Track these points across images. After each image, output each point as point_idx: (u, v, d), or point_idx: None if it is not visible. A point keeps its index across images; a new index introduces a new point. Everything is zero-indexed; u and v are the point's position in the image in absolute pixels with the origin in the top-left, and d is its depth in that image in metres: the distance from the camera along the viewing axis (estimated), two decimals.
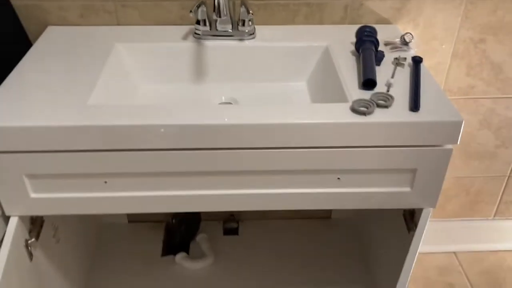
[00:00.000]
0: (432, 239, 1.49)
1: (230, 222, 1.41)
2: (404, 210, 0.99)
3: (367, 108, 0.79)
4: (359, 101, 0.81)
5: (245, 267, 1.30)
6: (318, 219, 1.45)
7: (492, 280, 1.42)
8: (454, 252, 1.50)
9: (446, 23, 1.11)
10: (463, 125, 0.79)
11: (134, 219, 1.43)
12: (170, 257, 1.31)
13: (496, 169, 1.36)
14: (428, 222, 0.90)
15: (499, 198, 1.43)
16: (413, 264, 0.91)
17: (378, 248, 1.22)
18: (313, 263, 1.31)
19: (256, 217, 1.44)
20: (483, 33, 1.13)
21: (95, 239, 1.36)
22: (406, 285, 0.79)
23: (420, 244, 0.92)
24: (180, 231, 1.36)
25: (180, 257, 1.29)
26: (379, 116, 0.79)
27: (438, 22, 1.11)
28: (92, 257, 1.31)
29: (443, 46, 1.15)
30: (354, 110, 0.79)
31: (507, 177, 1.38)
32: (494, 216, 1.47)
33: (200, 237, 1.35)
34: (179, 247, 1.33)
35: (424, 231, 0.91)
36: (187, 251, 1.32)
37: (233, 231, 1.40)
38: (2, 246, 0.83)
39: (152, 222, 1.42)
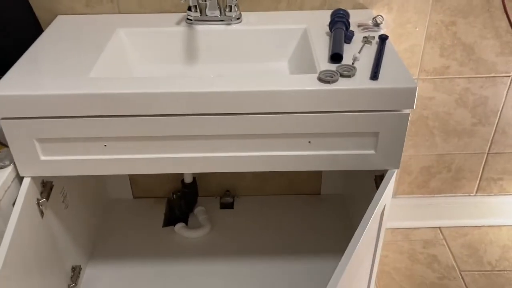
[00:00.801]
0: (418, 215, 1.58)
1: (226, 197, 1.53)
2: (376, 176, 1.09)
3: (331, 77, 0.90)
4: (325, 72, 0.92)
5: (239, 237, 1.41)
6: (308, 195, 1.55)
7: (473, 252, 1.50)
8: (439, 227, 1.59)
9: (418, 7, 1.21)
10: (417, 91, 0.89)
11: (139, 195, 1.55)
12: (170, 227, 1.43)
13: (475, 146, 1.45)
14: (392, 183, 1.00)
15: (479, 174, 1.51)
16: (379, 223, 1.01)
17: (359, 218, 1.32)
18: (302, 235, 1.42)
19: (250, 193, 1.55)
20: (453, 16, 1.23)
21: (102, 211, 1.49)
22: (360, 240, 0.88)
23: (388, 208, 1.02)
24: (180, 205, 1.48)
25: (179, 227, 1.41)
26: (342, 84, 0.90)
27: (411, 6, 1.21)
28: (99, 226, 1.44)
29: (417, 29, 1.24)
30: (320, 79, 0.90)
31: (486, 154, 1.47)
32: (476, 192, 1.56)
33: (198, 210, 1.47)
34: (179, 219, 1.45)
35: (390, 192, 1.01)
36: (186, 223, 1.44)
37: (229, 206, 1.52)
38: (16, 202, 0.96)
39: (155, 198, 1.55)
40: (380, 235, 1.07)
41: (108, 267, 1.33)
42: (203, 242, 1.40)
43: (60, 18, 1.19)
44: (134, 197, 1.55)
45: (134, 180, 1.52)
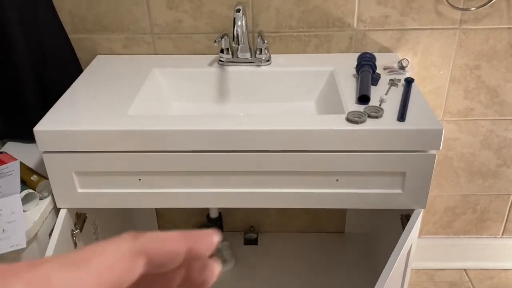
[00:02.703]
0: (443, 256, 1.57)
1: (250, 233, 1.54)
2: (401, 215, 1.10)
3: (359, 118, 0.93)
4: (353, 112, 0.95)
5: (262, 273, 1.42)
6: (332, 233, 1.56)
7: None
8: (465, 269, 1.57)
9: (442, 51, 1.25)
10: (443, 132, 0.92)
11: (165, 228, 1.58)
12: None
13: (500, 187, 1.45)
14: (419, 222, 1.01)
15: (505, 216, 1.50)
16: (405, 262, 1.02)
17: (384, 258, 1.32)
18: (326, 273, 1.42)
19: (274, 229, 1.57)
20: (477, 60, 1.26)
21: None
22: (387, 280, 0.89)
23: (414, 248, 1.03)
24: None
25: None
26: (370, 124, 0.93)
27: (435, 50, 1.25)
28: None
29: (441, 72, 1.28)
30: (348, 119, 0.94)
31: (511, 196, 1.46)
32: (502, 234, 1.54)
33: (222, 245, 1.49)
34: None
35: (417, 232, 1.02)
36: None
37: (253, 242, 1.53)
38: (53, 233, 1.00)
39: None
40: (406, 275, 1.07)
41: None
42: (226, 278, 1.41)
43: (99, 58, 1.26)
44: (160, 230, 1.58)
45: (160, 213, 1.56)
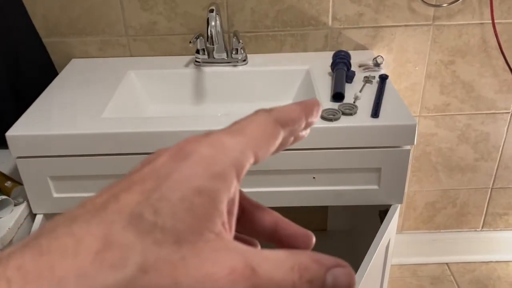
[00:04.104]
0: (424, 251, 1.58)
1: None
2: (380, 211, 1.11)
3: (334, 115, 0.94)
4: (327, 110, 0.95)
5: None
6: (315, 231, 1.56)
7: None
8: (447, 263, 1.59)
9: (417, 48, 1.26)
10: (418, 127, 0.93)
11: None
12: None
13: (479, 181, 1.47)
14: (396, 217, 1.02)
15: (484, 210, 1.52)
16: (384, 258, 1.02)
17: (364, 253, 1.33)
18: None
19: None
20: (451, 56, 1.27)
21: None
22: (364, 275, 0.89)
23: (392, 243, 1.04)
24: None
25: None
26: (344, 122, 0.93)
27: (410, 46, 1.26)
28: None
29: (417, 68, 1.29)
30: (322, 117, 0.94)
31: (490, 189, 1.48)
32: (482, 227, 1.56)
33: None
34: None
35: (394, 226, 1.03)
36: None
37: None
38: None
39: None
40: (386, 270, 1.08)
41: None
42: None
43: (74, 62, 1.25)
44: None
45: None
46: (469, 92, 1.32)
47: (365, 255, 0.95)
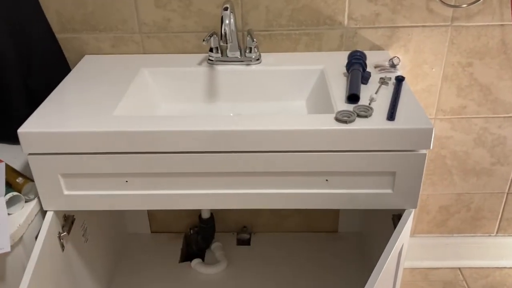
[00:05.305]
0: (437, 255, 1.56)
1: (243, 234, 1.53)
2: (393, 215, 1.09)
3: (348, 117, 0.92)
4: (342, 112, 0.93)
5: (255, 274, 1.41)
6: (326, 233, 1.55)
7: None
8: (459, 268, 1.56)
9: (434, 49, 1.23)
10: (434, 131, 0.90)
11: (157, 229, 1.57)
12: (187, 263, 1.44)
13: (494, 186, 1.44)
14: (410, 222, 1.00)
15: (500, 215, 1.49)
16: (397, 264, 1.01)
17: (377, 258, 1.31)
18: (319, 273, 1.41)
19: (267, 229, 1.56)
20: (469, 57, 1.24)
21: (120, 245, 1.50)
22: (377, 279, 0.88)
23: (405, 247, 1.02)
24: (197, 241, 1.48)
25: (195, 263, 1.42)
26: (359, 124, 0.91)
27: (427, 47, 1.23)
28: (117, 260, 1.45)
29: (433, 70, 1.26)
30: (337, 119, 0.92)
31: (505, 194, 1.45)
32: (497, 232, 1.53)
33: (215, 246, 1.47)
34: (195, 255, 1.45)
35: (408, 231, 1.01)
36: (202, 259, 1.44)
37: (246, 242, 1.52)
38: (39, 235, 0.98)
39: (172, 233, 1.56)
40: (398, 274, 1.06)
41: None
42: (219, 279, 1.39)
43: (87, 58, 1.24)
44: (152, 232, 1.57)
45: (152, 215, 1.54)
46: (487, 95, 1.29)
47: (377, 259, 0.93)
